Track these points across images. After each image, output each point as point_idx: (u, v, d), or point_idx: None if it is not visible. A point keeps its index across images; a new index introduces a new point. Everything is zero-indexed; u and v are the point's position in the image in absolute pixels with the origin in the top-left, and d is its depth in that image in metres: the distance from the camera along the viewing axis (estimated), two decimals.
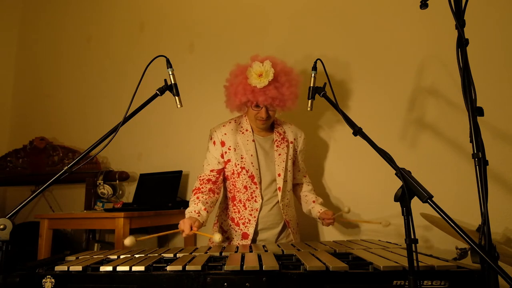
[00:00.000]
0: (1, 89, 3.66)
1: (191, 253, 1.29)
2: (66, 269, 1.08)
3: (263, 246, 1.44)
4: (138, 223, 2.16)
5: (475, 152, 0.88)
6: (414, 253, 0.87)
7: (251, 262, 1.04)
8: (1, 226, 1.02)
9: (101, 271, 1.07)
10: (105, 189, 2.72)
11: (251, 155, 1.71)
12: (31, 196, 1.13)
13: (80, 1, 3.42)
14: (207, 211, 1.58)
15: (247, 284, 0.99)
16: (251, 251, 1.31)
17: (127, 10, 3.16)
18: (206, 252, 1.30)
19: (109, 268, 1.07)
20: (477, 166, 0.87)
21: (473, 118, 0.89)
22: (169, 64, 1.37)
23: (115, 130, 1.26)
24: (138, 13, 3.08)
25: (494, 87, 1.76)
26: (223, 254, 1.27)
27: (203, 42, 2.73)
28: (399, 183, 0.94)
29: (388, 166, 1.03)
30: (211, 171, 1.73)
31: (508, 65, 1.77)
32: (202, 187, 1.67)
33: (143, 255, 1.28)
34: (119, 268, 1.07)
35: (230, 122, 1.79)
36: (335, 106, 1.27)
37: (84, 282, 1.07)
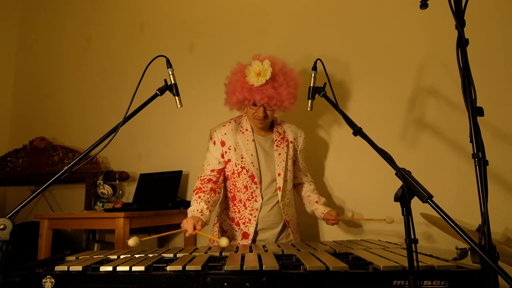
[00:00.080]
0: (1, 89, 3.66)
1: (191, 253, 1.29)
2: (66, 269, 1.08)
3: (263, 246, 1.44)
4: (138, 223, 2.16)
5: (475, 152, 0.88)
6: (414, 253, 0.87)
7: (251, 262, 1.04)
8: (1, 226, 1.02)
9: (101, 271, 1.07)
10: (105, 189, 2.72)
11: (251, 155, 1.71)
12: (31, 196, 1.13)
13: (80, 1, 3.42)
14: (210, 210, 1.57)
15: (247, 284, 0.99)
16: (251, 251, 1.31)
17: (127, 10, 3.16)
18: (206, 252, 1.30)
19: (109, 268, 1.07)
20: (477, 166, 0.87)
21: (473, 118, 0.89)
22: (169, 64, 1.37)
23: (115, 130, 1.26)
24: (138, 13, 3.08)
25: (494, 87, 1.76)
26: (223, 254, 1.27)
27: (203, 42, 2.73)
28: (399, 183, 0.94)
29: (388, 166, 1.03)
30: (212, 171, 1.73)
31: (508, 65, 1.77)
32: (203, 187, 1.67)
33: (143, 255, 1.28)
34: (119, 268, 1.07)
35: (230, 122, 1.79)
36: (335, 106, 1.27)
37: (84, 282, 1.07)
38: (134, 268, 1.06)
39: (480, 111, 0.90)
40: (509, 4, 1.79)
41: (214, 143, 1.75)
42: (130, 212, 2.13)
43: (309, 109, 1.45)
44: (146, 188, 2.67)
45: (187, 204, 2.52)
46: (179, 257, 1.22)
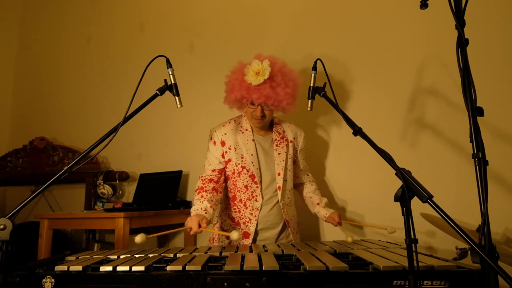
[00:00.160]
0: (1, 89, 3.66)
1: (191, 253, 1.29)
2: (66, 269, 1.08)
3: (263, 246, 1.44)
4: (138, 223, 2.16)
5: (475, 152, 0.88)
6: (414, 253, 0.87)
7: (251, 262, 1.04)
8: (1, 226, 1.02)
9: (101, 271, 1.07)
10: (105, 189, 2.72)
11: (252, 155, 1.72)
12: (31, 196, 1.13)
13: (80, 1, 3.42)
14: (213, 209, 1.56)
15: (247, 284, 0.99)
16: (251, 251, 1.31)
17: (127, 10, 3.16)
18: (206, 252, 1.30)
19: (109, 268, 1.07)
20: (477, 166, 0.87)
21: (473, 118, 0.89)
22: (169, 64, 1.37)
23: (115, 130, 1.26)
24: (138, 13, 3.09)
25: (494, 87, 1.77)
26: (223, 254, 1.27)
27: (203, 42, 2.73)
28: (399, 183, 0.94)
29: (388, 166, 1.03)
30: (213, 170, 1.73)
31: (508, 65, 1.77)
32: (205, 186, 1.66)
33: (143, 255, 1.28)
34: (119, 268, 1.07)
35: (230, 122, 1.79)
36: (335, 106, 1.27)
37: (84, 282, 1.07)
38: (134, 268, 1.06)
39: (480, 111, 0.90)
40: (509, 4, 1.79)
41: (214, 143, 1.75)
42: (130, 212, 2.13)
43: (309, 109, 1.45)
44: (146, 188, 2.67)
45: (187, 204, 2.53)
46: (179, 257, 1.22)
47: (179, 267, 1.05)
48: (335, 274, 0.99)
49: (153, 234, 1.36)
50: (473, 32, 1.41)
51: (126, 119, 1.29)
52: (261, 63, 1.60)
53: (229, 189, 1.77)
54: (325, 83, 1.40)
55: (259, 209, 1.70)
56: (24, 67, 3.72)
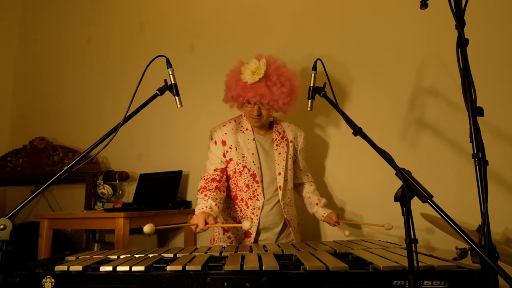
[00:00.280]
0: (1, 89, 3.66)
1: (191, 253, 1.29)
2: (66, 269, 1.08)
3: (263, 246, 1.44)
4: (138, 223, 2.16)
5: (475, 152, 0.88)
6: (414, 253, 0.87)
7: (251, 262, 1.04)
8: (1, 226, 1.02)
9: (101, 271, 1.07)
10: (105, 189, 2.72)
11: (252, 154, 1.72)
12: (31, 196, 1.13)
13: (80, 1, 3.42)
14: (218, 207, 1.56)
15: (247, 284, 0.99)
16: (251, 251, 1.31)
17: (127, 10, 3.16)
18: (206, 252, 1.30)
19: (109, 268, 1.07)
20: (477, 166, 0.87)
21: (473, 118, 0.89)
22: (169, 64, 1.37)
23: (115, 130, 1.26)
24: (138, 13, 3.08)
25: (494, 87, 1.77)
26: (223, 254, 1.27)
27: (203, 42, 2.73)
28: (399, 183, 0.94)
29: (388, 166, 1.03)
30: (215, 170, 1.73)
31: (508, 65, 1.77)
32: (208, 185, 1.66)
33: (143, 255, 1.28)
34: (119, 268, 1.07)
35: (230, 122, 1.79)
36: (335, 106, 1.27)
37: (84, 282, 1.07)
38: (134, 268, 1.06)
39: (480, 111, 0.90)
40: (509, 4, 1.79)
41: (215, 143, 1.75)
42: (130, 212, 2.13)
43: (309, 109, 1.45)
44: (146, 188, 2.67)
45: (187, 204, 2.53)
46: (179, 257, 1.22)
47: (179, 267, 1.04)
48: (335, 274, 0.99)
49: (161, 226, 1.35)
50: (473, 32, 1.41)
51: (126, 119, 1.29)
52: (258, 62, 1.61)
53: (230, 189, 1.77)
54: (325, 83, 1.40)
55: (260, 208, 1.70)
56: (24, 67, 3.72)
